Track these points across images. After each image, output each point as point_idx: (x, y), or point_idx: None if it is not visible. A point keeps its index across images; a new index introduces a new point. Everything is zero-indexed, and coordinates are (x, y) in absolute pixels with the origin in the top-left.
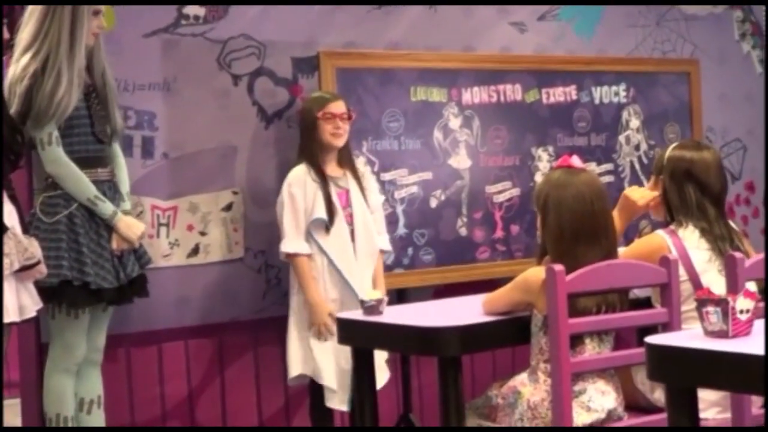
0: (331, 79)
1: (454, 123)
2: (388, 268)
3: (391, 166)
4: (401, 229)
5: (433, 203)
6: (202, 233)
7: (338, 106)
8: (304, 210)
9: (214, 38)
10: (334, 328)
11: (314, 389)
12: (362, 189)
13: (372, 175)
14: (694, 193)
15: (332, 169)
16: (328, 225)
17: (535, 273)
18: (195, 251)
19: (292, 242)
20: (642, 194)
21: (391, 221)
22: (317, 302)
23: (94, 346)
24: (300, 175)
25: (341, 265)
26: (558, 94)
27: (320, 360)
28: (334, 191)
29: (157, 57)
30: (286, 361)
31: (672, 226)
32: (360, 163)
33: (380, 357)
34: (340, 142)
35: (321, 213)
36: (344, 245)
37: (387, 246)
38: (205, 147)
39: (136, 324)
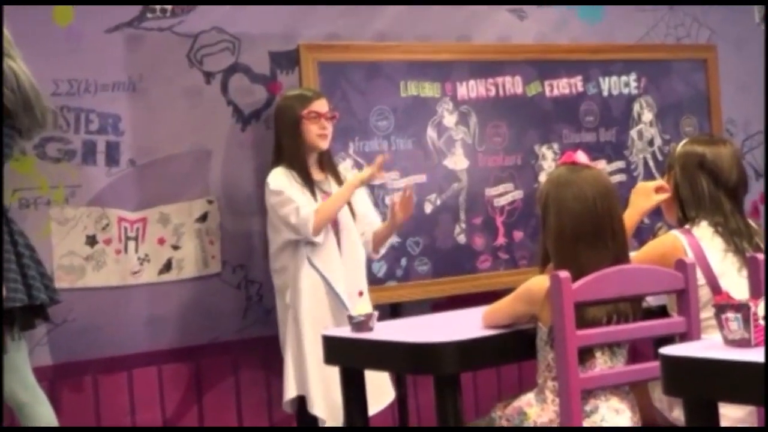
0: (312, 75)
1: (449, 120)
2: (379, 281)
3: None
4: (393, 238)
5: (428, 209)
6: (175, 247)
7: (322, 105)
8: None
9: (183, 32)
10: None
11: (303, 414)
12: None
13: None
14: (707, 185)
15: (314, 172)
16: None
17: (539, 281)
18: (167, 267)
19: (307, 206)
20: (652, 186)
21: None
22: (347, 183)
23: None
24: (283, 175)
25: (330, 277)
26: (562, 87)
27: (312, 385)
28: (319, 197)
29: (121, 54)
30: (283, 382)
31: (686, 225)
32: (345, 166)
33: (382, 376)
34: (325, 144)
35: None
36: (332, 255)
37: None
38: (176, 152)
39: (103, 348)
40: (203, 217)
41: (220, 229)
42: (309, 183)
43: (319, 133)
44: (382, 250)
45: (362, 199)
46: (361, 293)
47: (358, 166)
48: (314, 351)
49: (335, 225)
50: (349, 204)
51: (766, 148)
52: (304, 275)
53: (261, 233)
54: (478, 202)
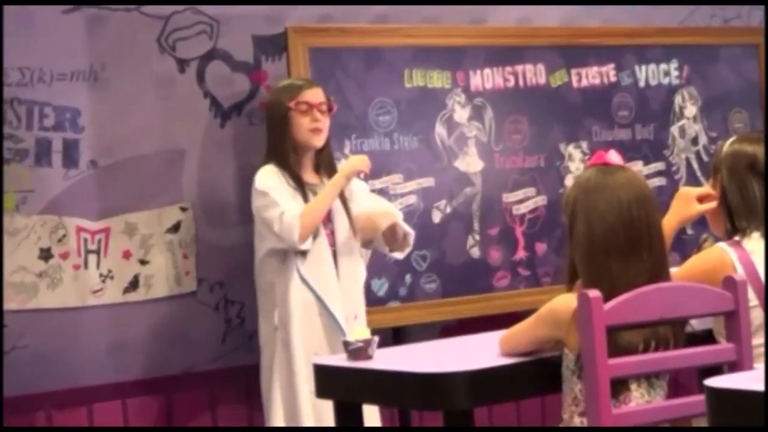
0: (303, 63)
1: (461, 115)
2: (380, 301)
3: (382, 171)
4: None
5: (437, 217)
6: (143, 262)
7: (315, 94)
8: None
9: (153, 13)
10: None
11: None
12: (344, 200)
13: (361, 181)
14: (759, 190)
15: (308, 175)
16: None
17: (564, 301)
18: (134, 285)
19: (292, 210)
20: (695, 193)
21: None
22: (338, 175)
23: None
24: (273, 173)
25: (324, 295)
26: (592, 76)
27: (305, 420)
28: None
29: (81, 38)
30: (266, 418)
31: (736, 237)
32: (340, 168)
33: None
34: (319, 141)
35: None
36: (327, 271)
37: (409, 228)
38: (144, 151)
39: (59, 379)
40: (176, 227)
41: (196, 241)
42: (301, 186)
43: (310, 128)
44: (405, 250)
45: (363, 194)
46: (356, 317)
47: None
48: (308, 381)
49: (330, 235)
50: (347, 211)
51: (767, 147)
52: (294, 292)
53: (243, 246)
54: (495, 209)
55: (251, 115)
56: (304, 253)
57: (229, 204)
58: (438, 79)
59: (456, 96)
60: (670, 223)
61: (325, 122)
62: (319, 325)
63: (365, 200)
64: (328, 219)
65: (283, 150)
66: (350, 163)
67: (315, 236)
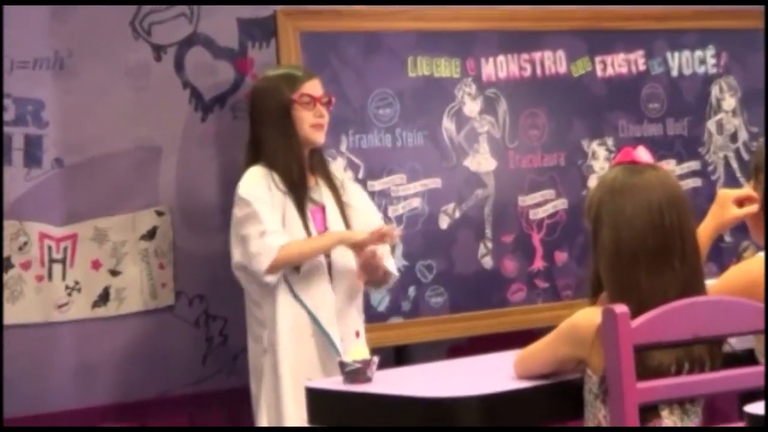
0: (294, 49)
1: (472, 108)
2: (380, 317)
3: (383, 171)
4: (398, 261)
5: (444, 223)
6: (114, 272)
7: (316, 87)
8: (272, 211)
9: None
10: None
11: None
12: (341, 205)
13: (356, 183)
14: None
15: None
16: None
17: (588, 317)
18: (104, 298)
19: (276, 234)
20: (734, 196)
21: None
22: (334, 236)
23: None
24: (260, 177)
25: (318, 311)
26: (619, 64)
27: None
28: (307, 207)
29: (45, 21)
30: None
31: None
32: (336, 167)
33: None
34: (322, 137)
35: (298, 235)
36: (321, 284)
37: (392, 268)
38: (116, 149)
39: (20, 405)
40: (151, 234)
41: (174, 249)
42: (295, 190)
43: (314, 123)
44: (381, 288)
45: (358, 197)
46: (357, 334)
47: (353, 168)
48: (297, 408)
49: None
50: (343, 212)
51: (767, 148)
52: (282, 309)
53: (227, 254)
54: (509, 214)
55: (236, 107)
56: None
57: (211, 207)
58: (446, 68)
59: (466, 86)
60: (706, 229)
61: (327, 117)
62: (312, 346)
63: (359, 206)
64: (325, 223)
65: (281, 147)
66: (360, 235)
67: None
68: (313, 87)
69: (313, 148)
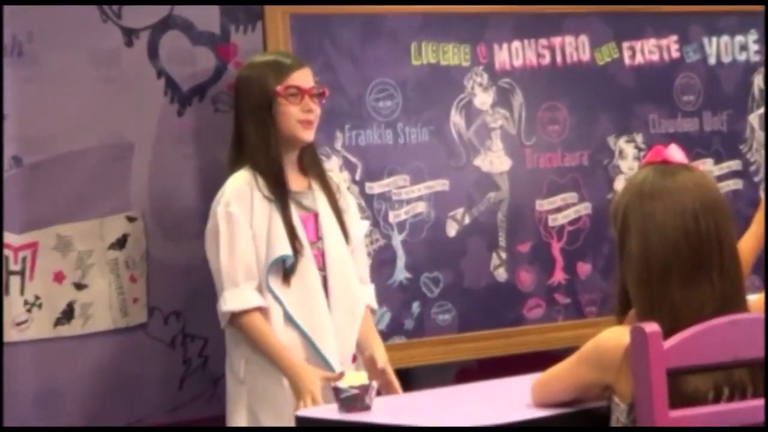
0: (282, 34)
1: (483, 100)
2: (381, 337)
3: (383, 172)
4: (400, 273)
5: (452, 230)
6: (79, 286)
7: (305, 77)
8: (253, 240)
9: None
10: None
11: None
12: (337, 211)
13: (350, 184)
14: None
15: (293, 179)
16: (289, 268)
17: (614, 337)
18: (68, 315)
19: (235, 294)
20: None
21: (384, 261)
22: (295, 367)
23: None
24: (242, 187)
25: (310, 330)
26: (649, 51)
27: None
28: (296, 215)
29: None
30: None
31: None
32: (330, 167)
33: None
34: (310, 135)
35: (282, 248)
36: (314, 300)
37: (372, 301)
38: (82, 146)
39: None
40: (121, 242)
41: (147, 260)
42: (282, 195)
43: (301, 118)
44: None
45: (351, 204)
46: (354, 358)
47: (350, 168)
48: None
49: (320, 256)
50: (340, 219)
51: (766, 148)
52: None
53: (207, 265)
54: (526, 220)
55: (217, 100)
56: (287, 275)
57: (190, 212)
58: (454, 55)
59: (477, 76)
60: (748, 238)
61: (317, 111)
62: None
63: (354, 217)
64: (317, 232)
65: (262, 145)
66: (308, 387)
67: (298, 256)
68: (303, 77)
69: (305, 147)
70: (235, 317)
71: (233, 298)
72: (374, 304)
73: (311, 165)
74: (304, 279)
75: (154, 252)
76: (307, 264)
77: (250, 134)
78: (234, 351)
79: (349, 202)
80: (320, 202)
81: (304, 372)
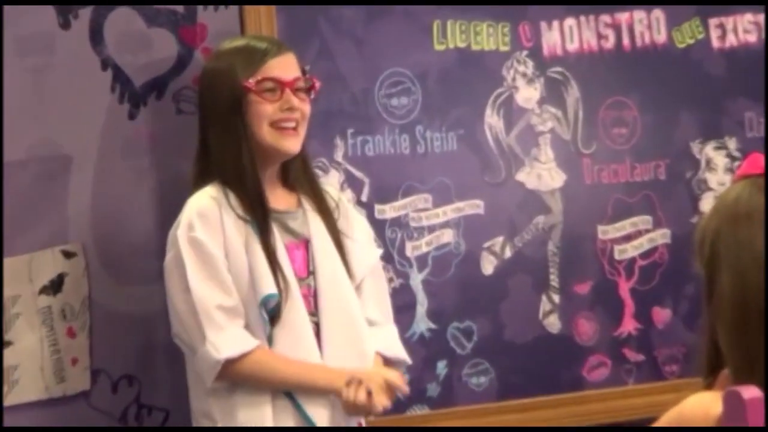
0: (266, 11)
1: (528, 95)
2: (397, 406)
3: (397, 190)
4: (421, 324)
5: (489, 266)
6: (1, 343)
7: (285, 65)
8: (226, 270)
9: None
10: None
11: None
12: (336, 236)
13: (353, 206)
14: None
15: (275, 195)
16: (271, 312)
17: (701, 405)
18: None
19: (225, 336)
20: None
21: (400, 307)
22: (325, 373)
23: None
24: (208, 206)
25: (306, 400)
26: (744, 29)
27: None
28: (280, 241)
29: None
30: None
31: None
32: (328, 182)
33: None
34: (292, 143)
35: (264, 286)
36: (302, 355)
37: (401, 352)
38: (5, 159)
39: None
40: (56, 285)
41: (90, 308)
42: (260, 214)
43: (277, 118)
44: None
45: (358, 225)
46: (360, 426)
47: (354, 186)
48: None
49: (311, 297)
50: (339, 246)
51: (767, 148)
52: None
53: (167, 314)
54: (586, 252)
55: (181, 97)
56: (272, 319)
57: (145, 245)
58: (489, 37)
59: (519, 64)
60: None
61: (303, 110)
62: None
63: (361, 237)
64: (306, 268)
65: (230, 155)
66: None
67: (286, 294)
68: (282, 66)
69: (294, 157)
70: (233, 365)
71: (226, 342)
72: (397, 352)
73: (301, 176)
74: (291, 327)
75: (99, 297)
76: (294, 307)
77: (216, 143)
78: (201, 397)
79: (353, 224)
80: (313, 225)
81: (334, 374)
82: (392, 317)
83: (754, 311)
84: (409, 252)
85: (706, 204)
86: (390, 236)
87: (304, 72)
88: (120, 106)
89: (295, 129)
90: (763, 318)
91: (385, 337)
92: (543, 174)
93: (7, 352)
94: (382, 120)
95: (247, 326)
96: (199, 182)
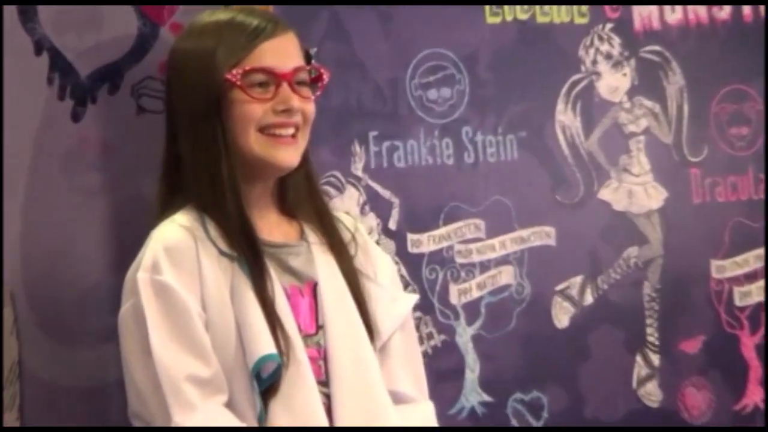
0: None
1: (615, 83)
2: None
3: (437, 214)
4: (472, 396)
5: (564, 317)
6: None
7: (281, 50)
8: (203, 328)
9: None
10: None
11: None
12: (352, 278)
13: (379, 236)
14: None
15: (269, 224)
16: (268, 379)
17: None
18: None
19: (193, 422)
20: None
21: (443, 373)
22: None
23: None
24: (179, 239)
25: None
26: None
27: None
28: (278, 286)
29: None
30: None
31: None
32: (344, 203)
33: None
34: (290, 157)
35: (260, 346)
36: (312, 415)
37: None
38: None
39: None
40: None
41: (20, 378)
42: (250, 249)
43: (270, 123)
44: None
45: (383, 265)
46: None
47: (379, 208)
48: None
49: (320, 360)
50: (356, 291)
51: (766, 148)
52: None
53: (122, 383)
54: (695, 295)
55: (141, 91)
56: (265, 395)
57: (93, 292)
58: (561, 8)
59: (602, 42)
60: None
61: (305, 112)
62: None
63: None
64: (314, 323)
65: (200, 171)
66: None
67: (287, 356)
68: (278, 51)
69: (293, 172)
70: None
71: (195, 423)
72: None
73: (303, 198)
74: (293, 402)
75: (32, 363)
76: (299, 375)
77: (189, 154)
78: None
79: (377, 261)
80: (321, 263)
81: None
82: (427, 390)
83: None
84: (454, 298)
85: None
86: (428, 276)
87: (308, 59)
88: (60, 104)
89: (293, 137)
90: None
91: (419, 420)
92: (636, 190)
93: None
94: (417, 119)
95: (230, 404)
96: (167, 207)
